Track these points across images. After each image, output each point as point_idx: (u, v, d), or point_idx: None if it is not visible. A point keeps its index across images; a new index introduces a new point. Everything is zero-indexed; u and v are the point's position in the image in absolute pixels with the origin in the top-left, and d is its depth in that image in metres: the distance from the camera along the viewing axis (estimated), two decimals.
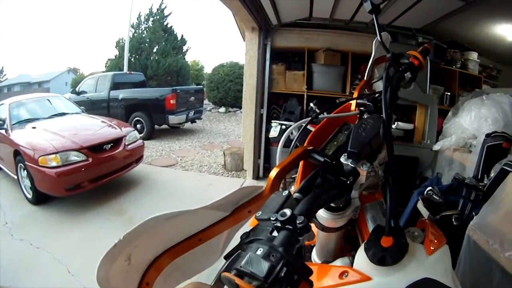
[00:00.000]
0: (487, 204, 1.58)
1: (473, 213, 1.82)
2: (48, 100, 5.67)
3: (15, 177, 4.33)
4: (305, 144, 0.80)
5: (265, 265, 0.40)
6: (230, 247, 0.59)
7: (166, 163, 6.01)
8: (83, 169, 3.91)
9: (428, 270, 0.63)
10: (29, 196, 4.12)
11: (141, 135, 6.04)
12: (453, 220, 1.85)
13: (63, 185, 3.78)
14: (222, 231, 0.63)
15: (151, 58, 15.30)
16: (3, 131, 4.55)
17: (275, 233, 0.46)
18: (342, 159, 0.70)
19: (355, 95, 0.97)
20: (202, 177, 5.23)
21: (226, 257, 0.51)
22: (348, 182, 0.63)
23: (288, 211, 0.47)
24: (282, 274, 0.39)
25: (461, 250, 1.59)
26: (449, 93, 3.76)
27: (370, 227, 0.80)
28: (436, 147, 3.14)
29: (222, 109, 11.95)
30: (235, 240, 0.63)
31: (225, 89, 11.54)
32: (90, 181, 4.02)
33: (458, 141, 2.92)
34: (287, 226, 0.46)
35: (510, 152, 2.01)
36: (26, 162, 3.91)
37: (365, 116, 0.87)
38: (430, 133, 3.36)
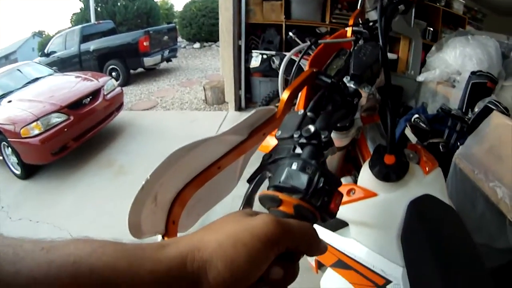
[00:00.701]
0: (472, 136, 1.66)
1: (458, 143, 1.90)
2: (18, 69, 5.37)
3: (0, 158, 4.21)
4: (306, 68, 0.81)
5: (304, 178, 0.41)
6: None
7: (146, 106, 5.92)
8: (66, 129, 3.85)
9: (427, 188, 0.68)
10: (18, 172, 4.04)
11: (118, 82, 5.84)
12: (440, 147, 1.94)
13: (48, 150, 3.73)
14: (239, 155, 0.63)
15: (118, 4, 14.36)
16: None
17: (298, 150, 0.47)
18: (345, 81, 0.71)
19: (350, 23, 1.00)
20: (184, 115, 5.21)
21: (249, 181, 0.52)
22: (355, 102, 0.65)
23: (312, 127, 0.48)
24: (320, 185, 0.41)
25: (448, 176, 1.69)
26: (431, 29, 3.79)
27: (370, 147, 0.84)
28: (420, 78, 3.19)
29: (197, 45, 11.52)
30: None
31: (198, 24, 11.13)
32: (74, 140, 3.97)
33: (442, 75, 2.99)
34: (312, 141, 0.47)
35: (493, 92, 2.09)
36: (8, 139, 3.79)
37: (361, 42, 0.88)
38: (414, 65, 3.39)
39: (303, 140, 0.47)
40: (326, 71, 0.86)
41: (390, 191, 0.69)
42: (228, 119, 4.60)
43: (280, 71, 0.87)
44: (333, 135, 0.76)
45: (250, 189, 0.52)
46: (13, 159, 3.98)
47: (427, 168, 0.72)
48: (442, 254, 0.61)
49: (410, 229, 0.65)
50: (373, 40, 0.86)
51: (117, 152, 4.19)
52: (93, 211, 3.09)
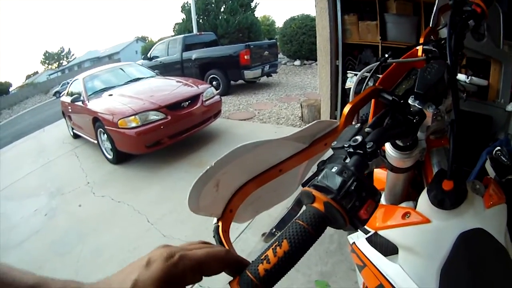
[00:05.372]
0: None
1: None
2: (121, 68, 5.93)
3: (95, 141, 4.72)
4: None
5: (338, 179, 0.44)
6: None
7: (243, 117, 6.11)
8: (162, 127, 4.10)
9: (483, 222, 0.64)
10: (110, 157, 4.49)
11: (217, 91, 6.16)
12: None
13: (143, 143, 4.00)
14: (300, 162, 0.68)
15: (220, 17, 15.21)
16: (80, 103, 4.93)
17: (347, 160, 0.50)
18: (410, 101, 0.71)
19: (421, 41, 0.98)
20: (279, 129, 5.25)
21: (303, 185, 0.57)
22: (415, 121, 0.65)
23: (359, 137, 0.51)
24: (353, 188, 0.43)
25: None
26: None
27: (435, 171, 0.81)
28: (510, 107, 2.81)
29: (297, 62, 11.75)
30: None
31: (299, 42, 11.27)
32: (169, 137, 4.24)
33: None
34: (358, 150, 0.50)
35: None
36: (105, 127, 4.21)
37: (432, 61, 0.86)
38: (504, 92, 2.99)
39: (350, 149, 0.51)
40: (395, 91, 0.85)
41: (443, 219, 0.66)
42: None
43: (352, 89, 0.89)
44: (395, 154, 0.75)
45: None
46: (107, 145, 4.44)
47: (490, 202, 0.67)
48: None
49: (454, 263, 0.61)
50: (441, 58, 0.85)
51: (209, 154, 4.38)
52: (174, 203, 3.23)
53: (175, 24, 17.60)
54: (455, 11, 0.83)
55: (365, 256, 0.83)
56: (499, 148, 1.86)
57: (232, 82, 8.43)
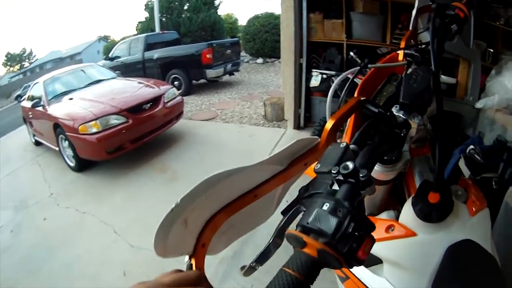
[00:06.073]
0: None
1: None
2: (82, 70, 5.72)
3: (57, 148, 4.52)
4: (355, 95, 0.78)
5: (333, 221, 0.39)
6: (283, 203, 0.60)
7: (206, 117, 6.02)
8: (123, 131, 4.00)
9: (470, 232, 0.64)
10: (72, 164, 4.32)
11: (179, 91, 6.07)
12: (493, 183, 1.78)
13: (104, 148, 3.90)
14: (277, 185, 0.61)
15: (183, 16, 15.00)
16: (40, 108, 4.69)
17: (335, 186, 0.45)
18: (394, 111, 0.67)
19: (402, 45, 0.95)
20: (242, 129, 5.23)
21: (283, 213, 0.51)
22: (402, 134, 0.61)
23: (350, 164, 0.45)
24: (350, 230, 0.39)
25: (498, 215, 1.57)
26: (492, 50, 3.48)
27: (417, 181, 0.79)
28: (479, 105, 2.96)
29: (260, 60, 11.73)
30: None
31: (262, 40, 11.27)
32: (131, 142, 4.14)
33: (501, 101, 2.75)
34: (349, 179, 0.45)
35: None
36: (66, 133, 4.04)
37: (413, 67, 0.84)
38: (472, 90, 3.16)
39: (340, 177, 0.45)
40: (376, 98, 0.83)
41: (430, 233, 0.64)
42: (286, 137, 4.58)
43: (329, 96, 0.86)
44: (378, 168, 0.73)
45: (283, 221, 0.51)
46: (69, 152, 4.27)
47: (474, 209, 0.67)
48: None
49: (444, 276, 0.60)
50: (425, 64, 0.82)
51: (172, 158, 4.30)
52: (139, 212, 3.17)
53: (138, 22, 17.10)
54: (437, 15, 0.81)
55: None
56: (472, 147, 1.92)
57: (194, 81, 8.31)
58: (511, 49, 3.51)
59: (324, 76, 4.03)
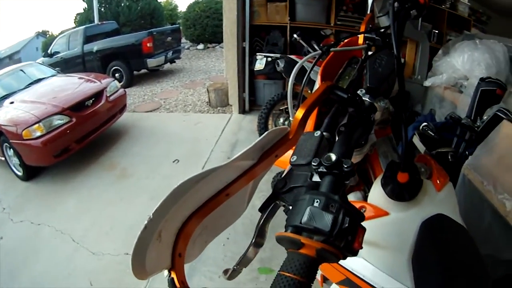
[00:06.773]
0: (481, 146, 1.62)
1: (467, 152, 1.87)
2: (21, 70, 5.34)
3: (2, 158, 4.20)
4: (318, 79, 0.78)
5: (328, 218, 0.38)
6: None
7: (150, 108, 5.91)
8: (68, 131, 3.84)
9: (439, 206, 0.66)
10: (20, 174, 4.03)
11: (121, 83, 5.87)
12: (449, 157, 1.90)
13: (51, 152, 3.72)
14: (249, 181, 0.59)
15: (122, 4, 14.34)
16: None
17: (315, 178, 0.44)
18: (360, 94, 0.68)
19: (362, 29, 0.96)
20: (188, 117, 5.19)
21: (261, 210, 0.49)
22: (372, 118, 0.62)
23: (333, 156, 0.44)
24: (346, 225, 0.38)
25: (456, 187, 1.65)
26: (436, 31, 3.75)
27: (382, 162, 0.81)
28: (427, 83, 3.15)
29: (201, 46, 11.47)
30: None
31: (202, 25, 11.05)
32: (77, 142, 3.97)
33: (449, 80, 2.94)
34: (334, 171, 0.44)
35: (503, 99, 2.03)
36: (10, 140, 3.78)
37: (373, 50, 0.85)
38: (421, 69, 3.34)
39: (322, 169, 0.44)
40: (338, 82, 0.83)
41: (402, 211, 0.66)
42: (232, 122, 4.57)
43: (290, 81, 0.85)
44: None
45: (263, 219, 0.49)
46: (15, 161, 3.98)
47: (439, 184, 0.69)
48: (453, 277, 0.59)
49: (422, 250, 0.62)
50: (385, 48, 0.83)
51: (119, 154, 4.18)
52: (95, 214, 3.08)
53: (77, 14, 15.92)
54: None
55: None
56: (426, 123, 2.01)
57: (135, 72, 8.04)
58: (456, 30, 3.78)
59: (269, 59, 4.05)
